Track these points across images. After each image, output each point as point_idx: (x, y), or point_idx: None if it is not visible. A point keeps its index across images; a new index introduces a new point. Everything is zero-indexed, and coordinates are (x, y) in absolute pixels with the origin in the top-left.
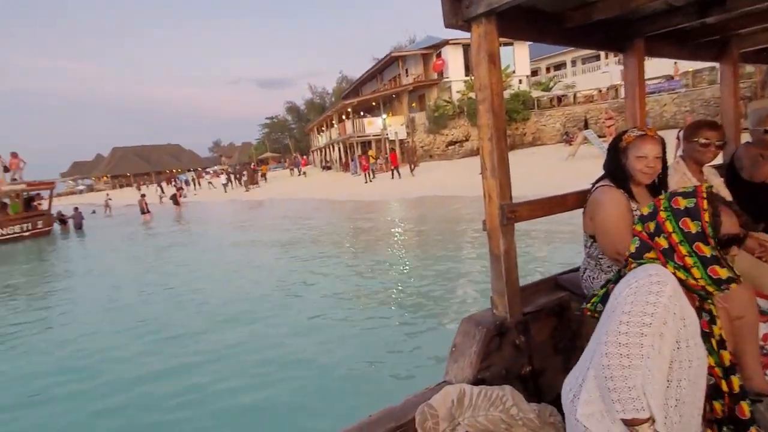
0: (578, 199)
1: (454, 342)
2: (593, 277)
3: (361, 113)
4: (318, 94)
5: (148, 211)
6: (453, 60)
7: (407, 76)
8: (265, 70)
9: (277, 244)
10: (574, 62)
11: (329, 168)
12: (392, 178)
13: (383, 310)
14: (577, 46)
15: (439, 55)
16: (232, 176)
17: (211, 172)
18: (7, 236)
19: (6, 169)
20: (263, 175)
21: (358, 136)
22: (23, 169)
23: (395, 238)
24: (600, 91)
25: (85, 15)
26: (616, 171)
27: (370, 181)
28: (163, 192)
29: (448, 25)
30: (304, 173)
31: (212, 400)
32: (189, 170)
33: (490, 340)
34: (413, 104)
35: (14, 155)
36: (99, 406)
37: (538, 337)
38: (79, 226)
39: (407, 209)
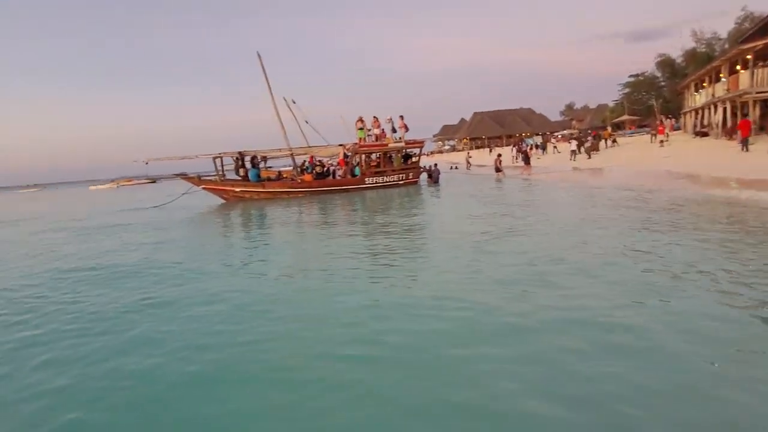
0: None
1: None
2: None
3: None
4: (704, 41)
5: (501, 170)
6: None
7: None
8: (634, 21)
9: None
10: None
11: (705, 134)
12: None
13: None
14: None
15: None
16: (575, 142)
17: (558, 136)
18: (390, 183)
19: (394, 130)
20: (614, 141)
21: (757, 93)
22: (406, 132)
23: None
24: None
25: None
26: None
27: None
28: (519, 152)
29: None
30: (664, 139)
31: None
32: (537, 134)
33: None
34: None
35: (401, 118)
36: None
37: None
38: (436, 180)
39: None
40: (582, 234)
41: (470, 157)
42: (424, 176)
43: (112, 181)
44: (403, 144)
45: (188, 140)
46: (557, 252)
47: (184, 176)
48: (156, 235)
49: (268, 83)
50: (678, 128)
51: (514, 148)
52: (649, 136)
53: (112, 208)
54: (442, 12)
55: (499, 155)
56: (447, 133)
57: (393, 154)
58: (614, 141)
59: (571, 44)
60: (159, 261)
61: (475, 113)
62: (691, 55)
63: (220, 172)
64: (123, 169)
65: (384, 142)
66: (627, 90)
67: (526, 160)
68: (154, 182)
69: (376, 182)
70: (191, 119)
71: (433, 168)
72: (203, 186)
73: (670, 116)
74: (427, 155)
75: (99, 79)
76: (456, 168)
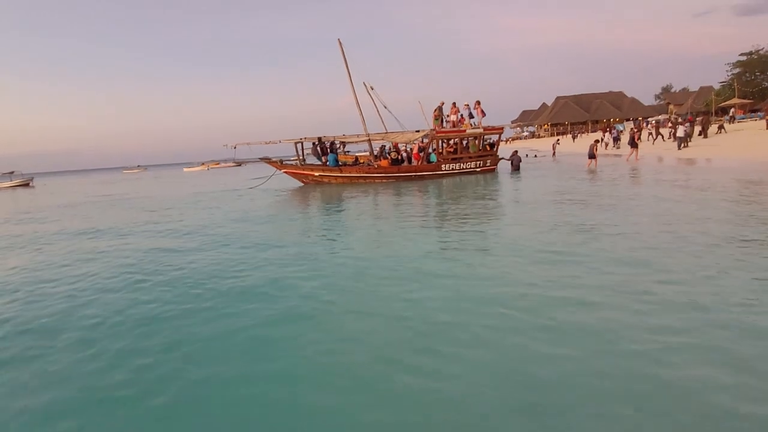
0: None
1: None
2: None
3: None
4: None
5: (595, 157)
6: None
7: None
8: None
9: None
10: None
11: None
12: None
13: None
14: None
15: None
16: (682, 128)
17: (652, 122)
18: (467, 170)
19: (471, 116)
20: (720, 127)
21: None
22: (483, 118)
23: None
24: None
25: None
26: None
27: None
28: (617, 139)
29: None
30: None
31: None
32: (628, 119)
33: None
34: None
35: (478, 103)
36: None
37: None
38: (516, 168)
39: None
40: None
41: (558, 143)
42: (504, 164)
43: (203, 164)
44: (481, 130)
45: (268, 127)
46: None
47: (267, 160)
48: (253, 217)
49: (348, 70)
50: None
51: (606, 134)
52: (765, 121)
53: (213, 188)
54: None
55: (597, 140)
56: (527, 118)
57: (469, 141)
58: (721, 128)
59: (670, 20)
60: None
61: (558, 98)
62: None
63: (301, 157)
64: (211, 153)
65: (461, 128)
66: (737, 70)
67: (633, 143)
68: (239, 165)
69: (453, 169)
70: (272, 106)
71: (513, 155)
72: (284, 170)
73: None
74: (506, 142)
75: (192, 70)
76: (536, 156)
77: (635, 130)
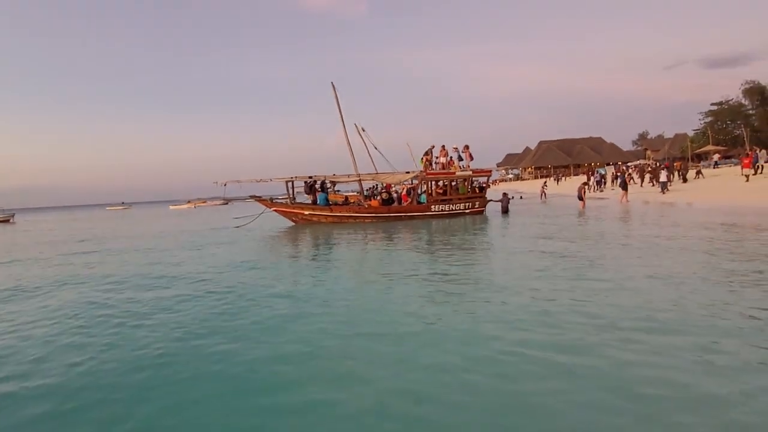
0: None
1: None
2: None
3: None
4: None
5: (583, 200)
6: None
7: None
8: (711, 47)
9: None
10: None
11: None
12: None
13: None
14: None
15: None
16: (664, 173)
17: (632, 166)
18: (456, 211)
19: (460, 158)
20: (698, 172)
21: None
22: (471, 161)
23: None
24: None
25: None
26: None
27: None
28: (600, 182)
29: None
30: (750, 173)
31: None
32: (608, 164)
33: None
34: None
35: (466, 147)
36: None
37: None
38: (505, 210)
39: None
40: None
41: (546, 186)
42: (493, 206)
43: (189, 202)
44: (470, 172)
45: (257, 165)
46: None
47: (257, 198)
48: (240, 255)
49: (341, 111)
50: None
51: (593, 177)
52: (740, 168)
53: (200, 227)
54: (510, 39)
55: (584, 183)
56: (511, 162)
57: (459, 182)
58: (699, 173)
59: (643, 71)
60: (242, 281)
61: (541, 142)
62: None
63: (291, 195)
64: (199, 190)
65: (451, 170)
66: (709, 119)
67: (624, 186)
68: (227, 203)
69: (442, 210)
70: (262, 145)
71: (502, 197)
72: (274, 208)
73: (758, 148)
74: (495, 183)
75: (175, 108)
76: (522, 198)
77: (628, 174)
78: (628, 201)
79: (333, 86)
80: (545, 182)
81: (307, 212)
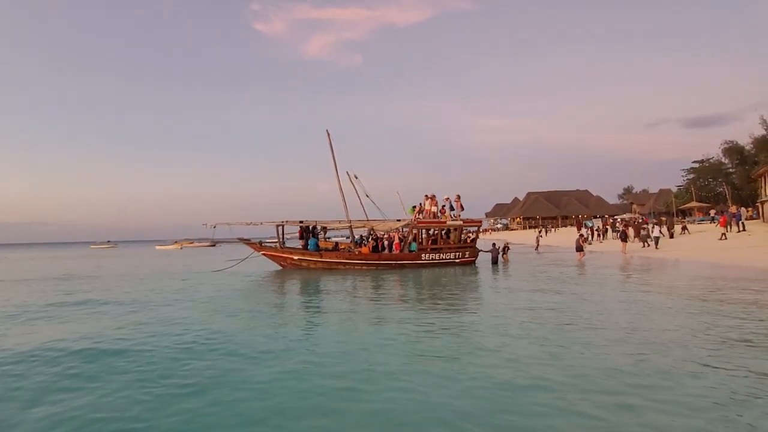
0: None
1: None
2: None
3: None
4: None
5: (582, 251)
6: None
7: None
8: (692, 108)
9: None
10: None
11: None
12: None
13: None
14: None
15: None
16: (657, 228)
17: (619, 219)
18: (446, 260)
19: (452, 208)
20: (684, 228)
21: None
22: (462, 211)
23: None
24: None
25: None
26: None
27: None
28: (598, 234)
29: None
30: (725, 231)
31: None
32: (595, 216)
33: None
34: None
35: (458, 198)
36: None
37: None
38: (495, 261)
39: None
40: None
41: (541, 236)
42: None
43: (176, 242)
44: (461, 222)
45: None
46: None
47: (245, 241)
48: (222, 303)
49: (334, 159)
50: (756, 217)
51: (585, 230)
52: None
53: (184, 269)
54: (499, 94)
55: (581, 235)
56: (500, 212)
57: (451, 231)
58: (684, 228)
59: (624, 128)
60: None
61: (529, 193)
62: (762, 143)
63: (281, 240)
64: (187, 231)
65: (442, 220)
66: (692, 176)
67: (624, 237)
68: (214, 245)
69: (432, 259)
70: (252, 189)
71: (492, 248)
72: (263, 252)
73: (747, 206)
74: (484, 232)
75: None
76: (508, 248)
77: (626, 227)
78: (625, 252)
79: (328, 133)
80: (539, 233)
81: (296, 257)
